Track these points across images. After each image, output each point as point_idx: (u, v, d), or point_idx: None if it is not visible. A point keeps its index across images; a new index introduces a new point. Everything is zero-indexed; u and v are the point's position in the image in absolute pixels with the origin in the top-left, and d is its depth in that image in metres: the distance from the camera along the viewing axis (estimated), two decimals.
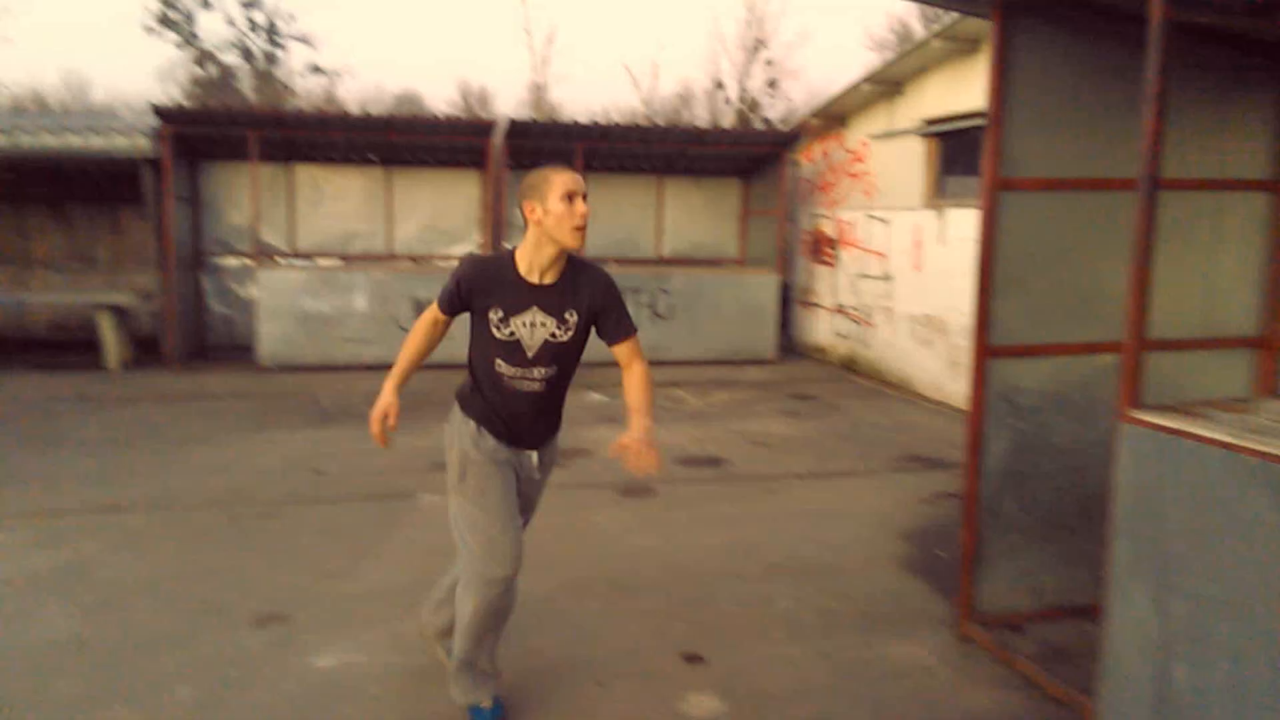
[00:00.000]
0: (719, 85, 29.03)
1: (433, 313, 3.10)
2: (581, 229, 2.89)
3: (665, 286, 11.49)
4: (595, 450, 6.98)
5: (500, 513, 3.03)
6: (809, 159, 12.40)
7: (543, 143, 11.69)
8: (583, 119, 12.97)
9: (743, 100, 28.10)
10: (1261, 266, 4.23)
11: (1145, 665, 3.03)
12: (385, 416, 3.03)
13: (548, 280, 2.98)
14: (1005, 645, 3.90)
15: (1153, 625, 2.99)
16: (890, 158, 10.40)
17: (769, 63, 28.35)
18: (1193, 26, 3.76)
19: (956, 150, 9.56)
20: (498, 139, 11.32)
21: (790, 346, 12.58)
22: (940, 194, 9.72)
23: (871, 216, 10.77)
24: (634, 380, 3.08)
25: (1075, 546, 4.14)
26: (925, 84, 9.77)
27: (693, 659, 3.80)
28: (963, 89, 9.06)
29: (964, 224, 8.96)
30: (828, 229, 11.88)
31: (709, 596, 4.45)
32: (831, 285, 11.83)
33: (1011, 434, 4.02)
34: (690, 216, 13.38)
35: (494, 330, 2.98)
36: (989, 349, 3.96)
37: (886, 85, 10.31)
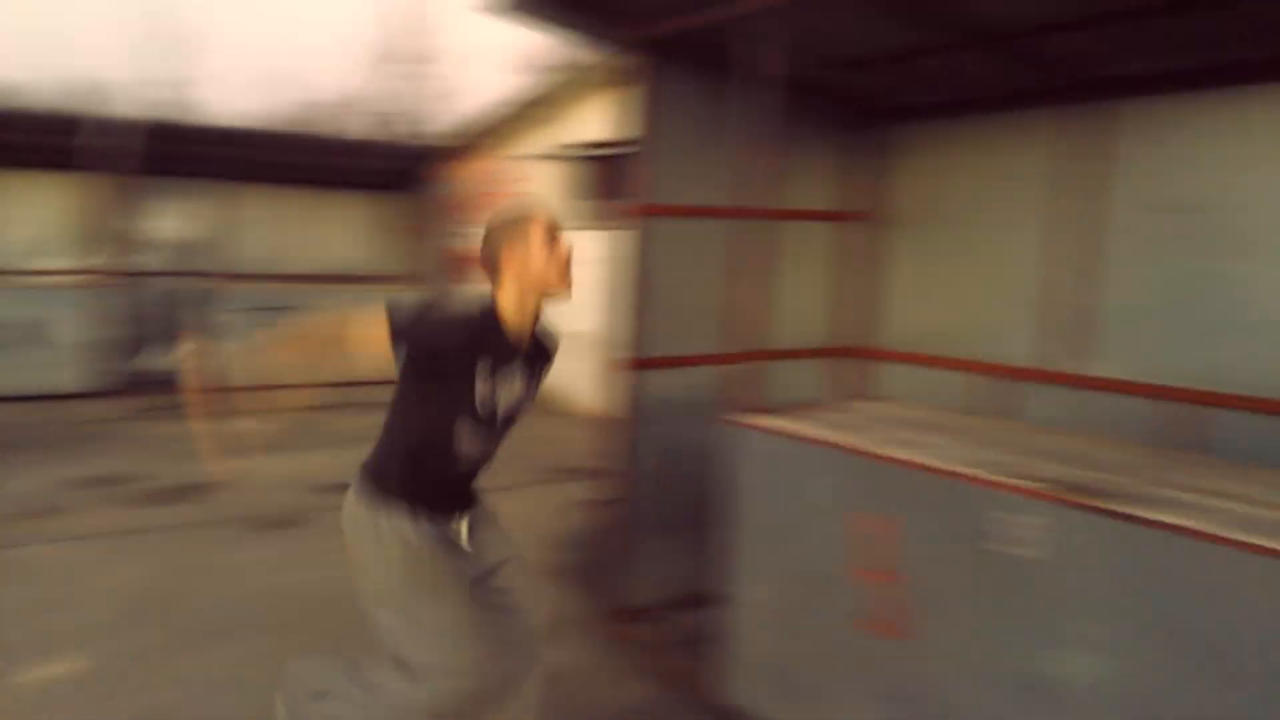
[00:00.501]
0: (373, 96, 28.28)
1: (365, 330, 2.45)
2: (568, 275, 2.63)
3: (318, 304, 10.94)
4: (236, 482, 6.49)
5: (470, 603, 2.62)
6: (464, 176, 12.45)
7: (180, 148, 10.66)
8: (227, 124, 12.00)
9: (398, 113, 27.60)
10: (850, 286, 4.89)
11: (759, 638, 3.37)
12: None
13: (526, 335, 2.67)
14: (652, 638, 4.14)
15: (766, 606, 3.34)
16: (540, 178, 10.73)
17: (425, 75, 28.12)
18: (801, 78, 4.28)
19: (601, 174, 10.09)
20: (117, 139, 10.15)
21: None
22: (587, 215, 10.18)
23: None
24: None
25: (711, 540, 4.51)
26: (573, 108, 10.20)
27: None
28: (606, 115, 9.57)
29: (598, 245, 9.44)
30: (473, 248, 11.96)
31: (358, 630, 4.29)
32: None
33: (656, 440, 4.30)
34: (345, 231, 12.88)
35: (474, 394, 2.56)
36: (634, 361, 4.22)
37: (538, 107, 10.63)
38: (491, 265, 2.60)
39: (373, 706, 2.62)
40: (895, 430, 3.30)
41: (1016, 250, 4.29)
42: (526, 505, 6.36)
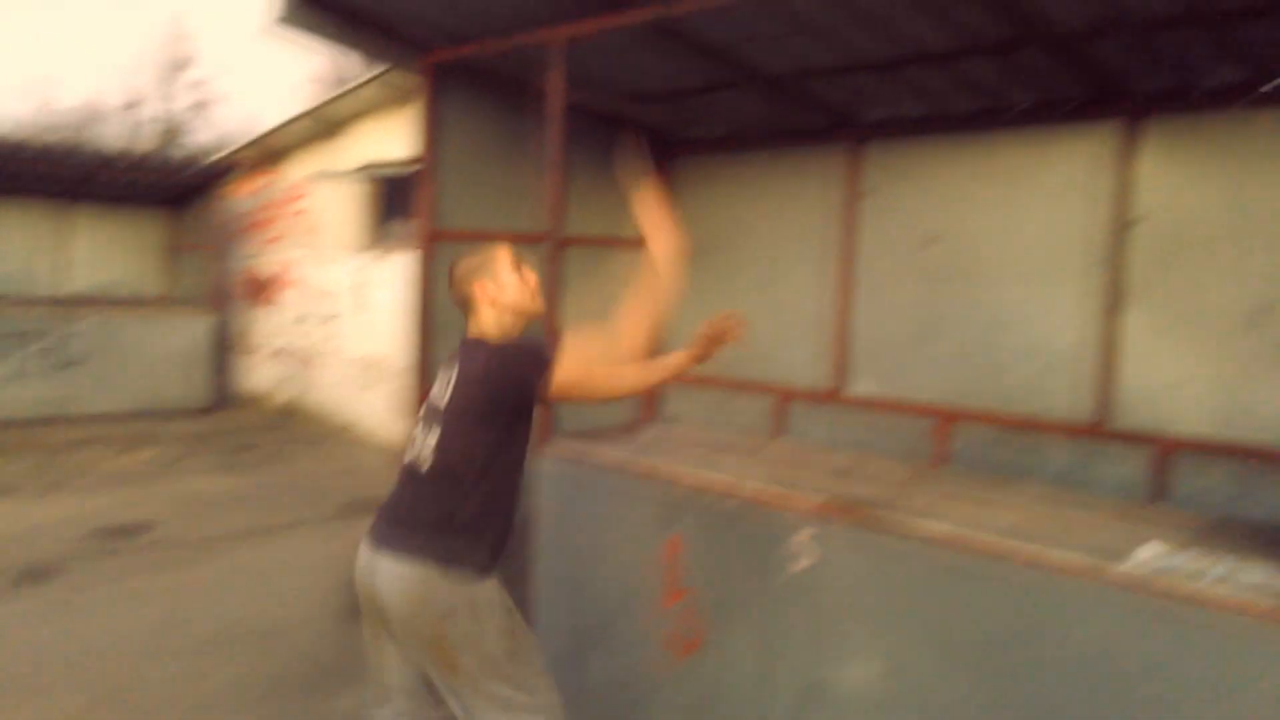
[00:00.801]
0: (135, 105, 26.30)
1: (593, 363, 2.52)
2: (537, 294, 2.70)
3: (73, 330, 10.06)
4: None
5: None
6: (245, 194, 11.83)
7: None
8: None
9: (164, 123, 25.81)
10: None
11: (567, 667, 3.43)
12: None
13: None
14: None
15: (569, 631, 3.42)
16: (331, 198, 10.39)
17: (194, 84, 26.46)
18: (591, 110, 4.42)
19: (395, 195, 9.90)
20: None
21: (227, 394, 11.80)
22: (381, 237, 9.96)
23: (313, 257, 10.63)
24: None
25: (512, 568, 4.53)
26: (363, 127, 9.95)
27: None
28: (399, 135, 9.41)
29: (404, 268, 9.29)
30: (267, 269, 11.43)
31: (137, 682, 4.01)
32: (272, 328, 11.39)
33: None
34: (104, 250, 11.90)
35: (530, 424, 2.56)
36: (427, 390, 4.18)
37: (325, 124, 10.28)
38: (466, 303, 2.66)
39: None
40: (688, 451, 3.48)
41: (790, 279, 4.61)
42: (329, 542, 6.12)
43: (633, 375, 2.58)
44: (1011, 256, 3.88)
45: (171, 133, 25.30)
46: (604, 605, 3.31)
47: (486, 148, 4.38)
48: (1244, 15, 2.78)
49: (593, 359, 2.49)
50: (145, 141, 25.38)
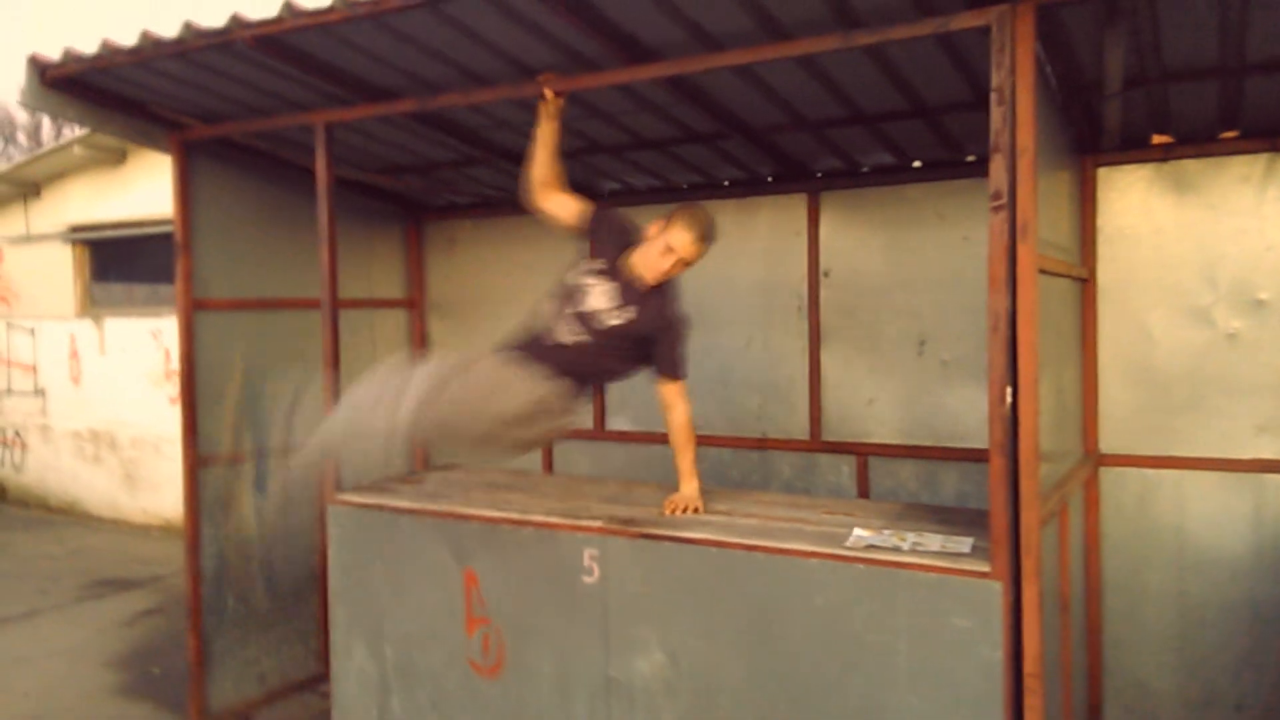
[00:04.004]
0: None
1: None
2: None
3: None
4: None
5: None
6: None
7: None
8: None
9: None
10: None
11: (369, 705, 3.64)
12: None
13: None
14: None
15: (371, 670, 3.63)
16: (32, 263, 9.59)
17: None
18: (346, 180, 4.66)
19: (110, 257, 9.34)
20: None
21: None
22: (95, 302, 9.34)
23: (14, 326, 9.75)
24: None
25: (291, 628, 4.61)
26: (68, 188, 9.32)
27: None
28: (112, 196, 8.93)
29: (126, 334, 8.80)
30: None
31: None
32: None
33: (223, 534, 4.32)
34: None
35: None
36: (198, 458, 4.22)
37: (22, 186, 9.53)
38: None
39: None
40: (472, 493, 3.81)
41: None
42: (73, 626, 5.75)
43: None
44: (733, 304, 4.56)
45: None
46: (406, 641, 3.56)
47: (246, 217, 4.50)
48: (889, 117, 3.61)
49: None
50: None
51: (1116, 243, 3.75)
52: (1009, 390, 2.50)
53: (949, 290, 4.00)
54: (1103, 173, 3.77)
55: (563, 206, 3.34)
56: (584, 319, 3.18)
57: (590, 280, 3.22)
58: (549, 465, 5.00)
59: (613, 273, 3.20)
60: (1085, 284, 3.73)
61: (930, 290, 4.05)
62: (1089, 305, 3.74)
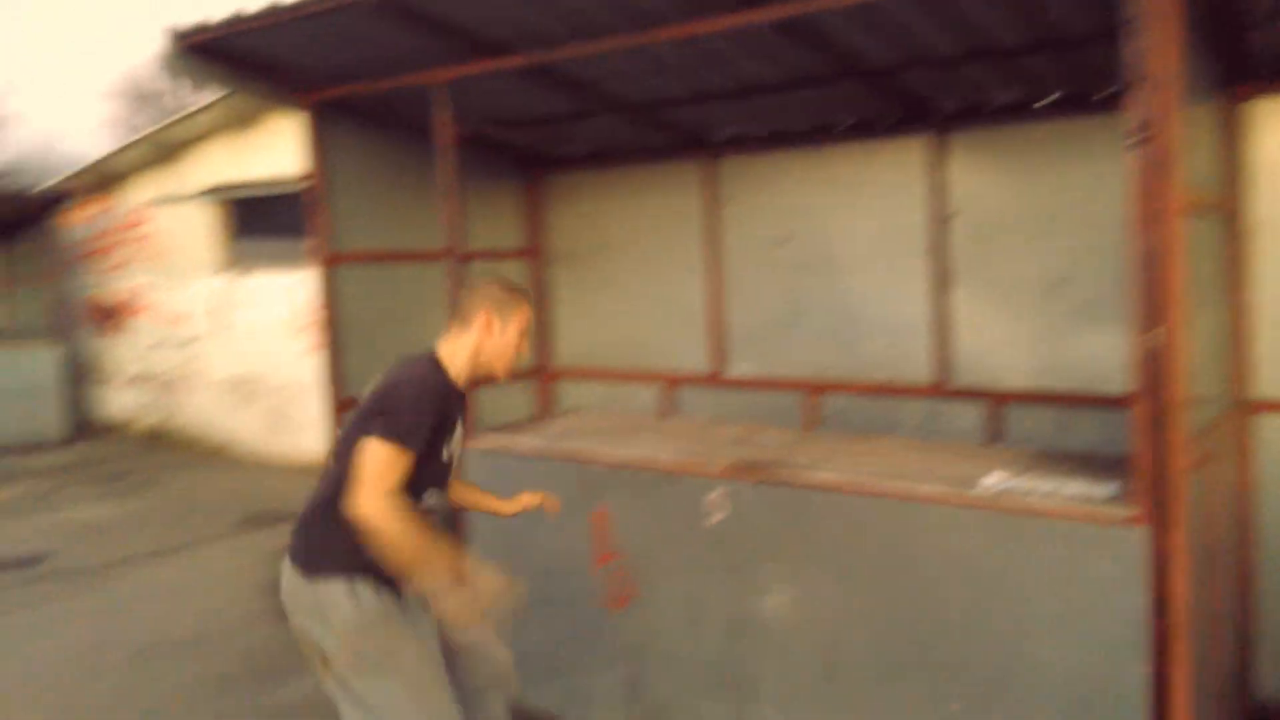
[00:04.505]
0: None
1: (394, 480, 2.35)
2: (513, 368, 2.76)
3: None
4: None
5: (443, 675, 2.56)
6: (81, 222, 11.37)
7: None
8: None
9: None
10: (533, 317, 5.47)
11: (506, 634, 3.81)
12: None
13: (461, 389, 2.70)
14: None
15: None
16: (175, 222, 10.18)
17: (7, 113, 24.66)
18: (466, 134, 4.76)
19: (248, 216, 9.82)
20: None
21: (85, 425, 11.33)
22: (237, 258, 9.85)
23: (164, 282, 10.40)
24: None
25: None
26: (205, 150, 9.80)
27: None
28: (248, 157, 9.36)
29: (267, 287, 9.28)
30: (112, 296, 11.06)
31: (85, 696, 4.12)
32: (125, 355, 11.04)
33: None
34: None
35: (441, 455, 2.58)
36: (341, 402, 4.45)
37: (164, 149, 10.07)
38: (465, 317, 2.68)
39: None
40: (598, 436, 3.92)
41: (667, 278, 5.11)
42: (234, 555, 6.21)
43: (401, 522, 2.33)
44: (855, 249, 4.50)
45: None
46: (539, 576, 3.71)
47: (374, 173, 4.67)
48: (1018, 51, 3.46)
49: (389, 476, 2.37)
50: None
51: (1271, 176, 3.52)
52: (1156, 331, 2.41)
53: (1088, 229, 3.84)
54: (1252, 104, 3.53)
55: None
56: (447, 477, 2.74)
57: (453, 434, 2.69)
58: (670, 410, 5.07)
59: (460, 407, 2.72)
60: (1233, 221, 3.52)
61: (1065, 231, 3.90)
62: (1238, 243, 3.54)
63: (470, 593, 2.44)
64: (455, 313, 2.78)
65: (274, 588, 5.36)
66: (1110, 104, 3.68)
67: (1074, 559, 2.59)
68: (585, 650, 3.62)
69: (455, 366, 2.65)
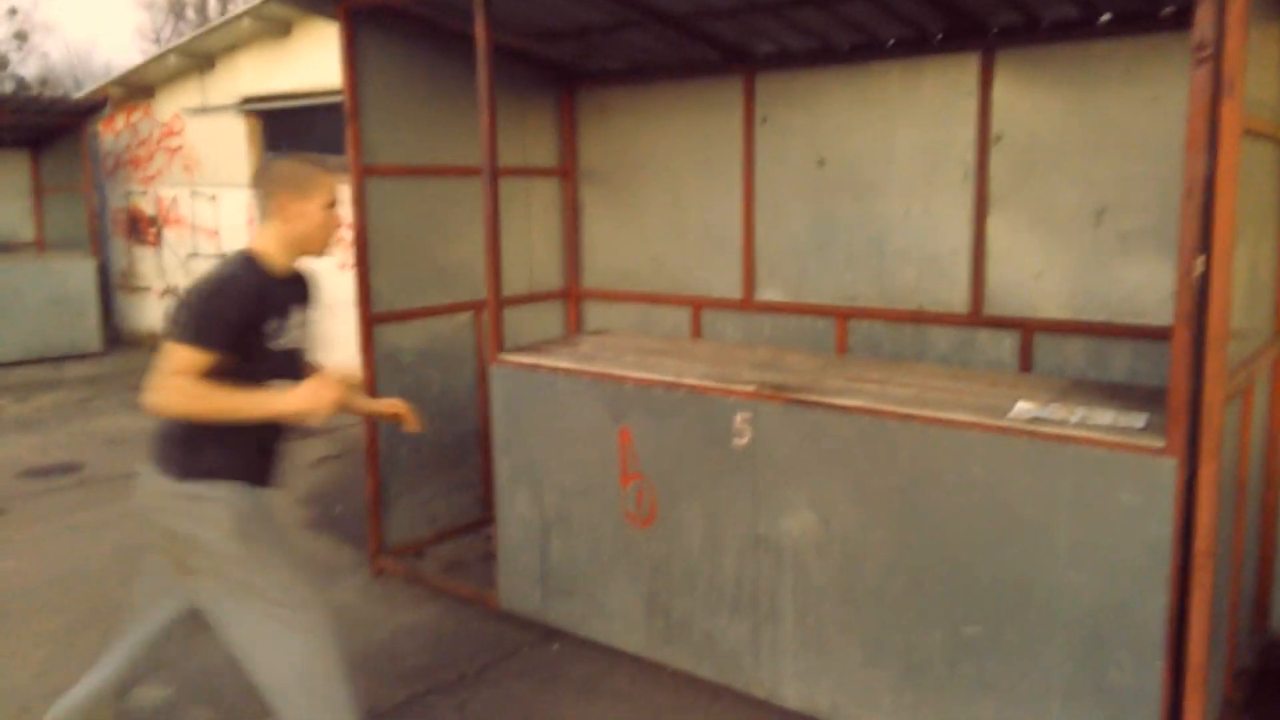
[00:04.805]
0: None
1: (185, 371, 2.37)
2: (335, 239, 2.71)
3: None
4: None
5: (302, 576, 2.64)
6: (113, 131, 11.39)
7: None
8: None
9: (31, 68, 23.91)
10: (560, 236, 5.44)
11: (530, 548, 3.89)
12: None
13: (290, 277, 2.67)
14: (415, 569, 4.51)
15: (533, 516, 3.86)
16: (209, 133, 10.16)
17: (13, 12, 24.52)
18: (502, 46, 4.67)
19: (281, 128, 9.78)
20: None
21: (120, 335, 11.52)
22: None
23: (197, 193, 10.42)
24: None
25: (457, 476, 4.93)
26: (239, 60, 9.73)
27: None
28: (280, 68, 9.28)
29: None
30: (146, 206, 11.12)
31: (111, 603, 4.25)
32: (158, 266, 11.15)
33: (398, 389, 4.58)
34: None
35: (269, 349, 2.55)
36: (372, 316, 4.47)
37: (197, 58, 10.00)
38: (266, 205, 2.62)
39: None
40: (626, 356, 3.92)
41: (698, 199, 5.03)
42: None
43: (195, 390, 2.38)
44: (893, 172, 4.40)
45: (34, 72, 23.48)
46: (564, 492, 3.76)
47: (409, 85, 4.60)
48: None
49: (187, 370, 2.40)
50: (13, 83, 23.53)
51: None
52: (1201, 259, 2.35)
53: (1133, 156, 3.72)
54: None
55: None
56: (293, 368, 2.70)
57: (284, 325, 2.64)
58: (697, 333, 5.05)
59: (287, 297, 2.67)
60: None
61: (1112, 156, 3.78)
62: None
63: (316, 383, 2.46)
64: (258, 204, 2.68)
65: (305, 500, 5.54)
66: (1172, 22, 3.54)
67: (1101, 488, 2.58)
68: (607, 567, 3.68)
69: (270, 258, 2.60)
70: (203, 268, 10.39)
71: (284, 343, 2.62)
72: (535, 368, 3.81)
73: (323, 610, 2.69)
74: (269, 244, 2.61)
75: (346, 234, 4.37)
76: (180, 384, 2.38)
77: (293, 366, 2.68)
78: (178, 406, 2.41)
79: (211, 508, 2.54)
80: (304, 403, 2.46)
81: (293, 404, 2.46)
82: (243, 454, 2.59)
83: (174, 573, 2.65)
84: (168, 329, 2.49)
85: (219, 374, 2.42)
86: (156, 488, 2.58)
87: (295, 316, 2.67)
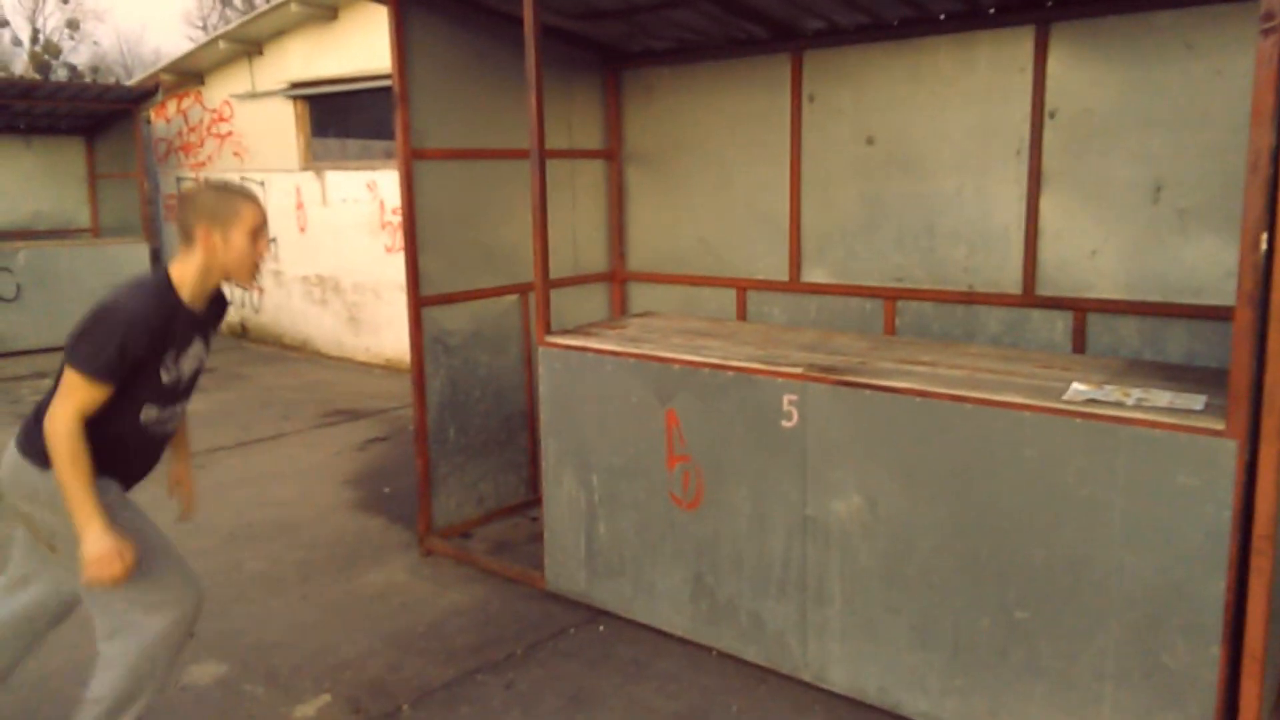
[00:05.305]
0: (3, 24, 24.78)
1: (83, 406, 2.42)
2: (259, 269, 2.68)
3: (6, 265, 9.94)
4: None
5: (165, 541, 2.70)
6: (164, 117, 11.60)
7: None
8: None
9: (39, 44, 24.46)
10: (605, 218, 5.44)
11: (577, 529, 3.92)
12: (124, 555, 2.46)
13: (200, 307, 2.64)
14: (463, 550, 4.57)
15: (580, 497, 3.88)
16: (258, 118, 10.30)
17: (64, 1, 25.05)
18: (548, 27, 4.67)
19: (327, 113, 9.88)
20: None
21: None
22: (316, 156, 9.97)
23: (246, 178, 10.58)
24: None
25: (504, 458, 4.97)
26: (286, 46, 9.84)
27: None
28: (327, 53, 9.36)
29: (345, 185, 9.37)
30: None
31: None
32: None
33: (446, 371, 4.65)
34: (22, 184, 11.55)
35: (160, 377, 2.57)
36: (420, 299, 4.52)
37: (246, 44, 10.13)
38: (187, 234, 2.58)
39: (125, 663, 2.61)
40: (672, 338, 3.92)
41: (744, 179, 5.00)
42: (313, 449, 6.45)
43: (73, 445, 2.42)
44: (943, 150, 4.33)
45: (46, 52, 24.01)
46: (611, 473, 3.78)
47: (456, 68, 4.62)
48: None
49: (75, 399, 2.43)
50: (18, 62, 24.09)
51: None
52: (1264, 236, 2.29)
53: (1193, 131, 3.62)
54: None
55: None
56: (178, 393, 2.70)
57: (182, 354, 2.65)
58: (743, 315, 5.03)
59: (192, 326, 2.65)
60: None
61: (1171, 131, 3.68)
62: None
63: (111, 544, 2.44)
64: (179, 230, 2.62)
65: (354, 481, 5.63)
66: None
67: (1159, 470, 2.53)
68: (653, 549, 3.69)
69: (186, 286, 2.57)
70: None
71: (172, 375, 2.61)
72: (582, 349, 3.82)
73: (183, 593, 2.69)
74: (187, 272, 2.58)
75: (394, 217, 4.41)
76: (70, 433, 2.40)
77: (173, 395, 2.65)
78: (52, 450, 2.42)
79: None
80: (96, 558, 2.42)
81: (89, 549, 2.42)
82: (111, 456, 2.57)
83: (41, 548, 2.70)
84: (68, 348, 2.45)
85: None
86: (22, 475, 2.58)
87: (195, 347, 2.66)
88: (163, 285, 2.55)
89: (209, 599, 4.00)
